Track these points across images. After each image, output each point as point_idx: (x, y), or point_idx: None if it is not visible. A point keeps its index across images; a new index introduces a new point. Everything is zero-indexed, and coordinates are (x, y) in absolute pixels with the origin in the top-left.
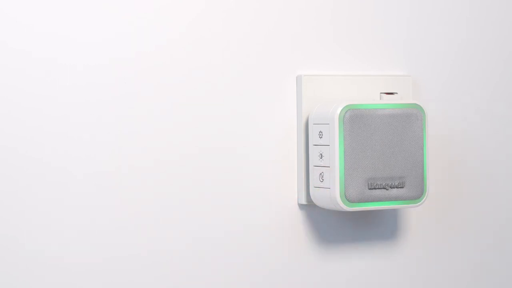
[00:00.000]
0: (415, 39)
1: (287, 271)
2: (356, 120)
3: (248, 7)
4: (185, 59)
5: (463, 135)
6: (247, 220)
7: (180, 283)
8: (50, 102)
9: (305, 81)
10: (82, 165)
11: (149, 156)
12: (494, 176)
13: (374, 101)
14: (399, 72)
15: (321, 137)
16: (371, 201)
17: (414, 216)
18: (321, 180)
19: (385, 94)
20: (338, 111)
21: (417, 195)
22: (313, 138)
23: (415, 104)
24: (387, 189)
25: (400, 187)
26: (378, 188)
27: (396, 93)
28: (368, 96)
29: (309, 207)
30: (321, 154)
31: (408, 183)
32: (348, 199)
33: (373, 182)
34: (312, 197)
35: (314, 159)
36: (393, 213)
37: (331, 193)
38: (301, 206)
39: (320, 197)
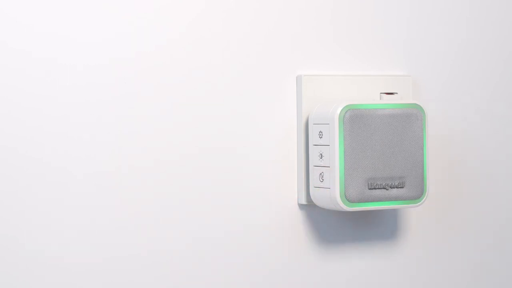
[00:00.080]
0: (415, 39)
1: (287, 271)
2: (356, 120)
3: (248, 7)
4: (185, 59)
5: (463, 135)
6: (247, 220)
7: (180, 283)
8: (50, 102)
9: (305, 81)
10: (82, 165)
11: (149, 156)
12: (494, 176)
13: (374, 101)
14: (399, 72)
15: (321, 137)
16: (371, 201)
17: (414, 216)
18: (321, 180)
19: (385, 94)
20: (338, 111)
21: (417, 195)
22: (313, 138)
23: (415, 104)
24: (387, 189)
25: (400, 187)
26: (378, 188)
27: (396, 93)
28: (368, 96)
29: (309, 207)
30: (321, 154)
31: (408, 183)
32: (348, 199)
33: (373, 182)
34: (312, 197)
35: (314, 159)
36: (393, 213)
37: (331, 193)
38: (301, 206)
39: (320, 197)
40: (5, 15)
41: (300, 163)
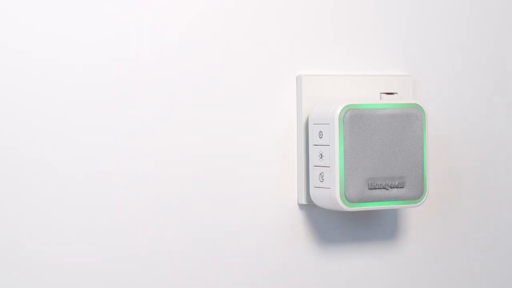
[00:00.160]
0: (415, 39)
1: (287, 271)
2: (356, 120)
3: (248, 7)
4: (185, 59)
5: (463, 135)
6: (247, 220)
7: (180, 283)
8: (50, 102)
9: (305, 81)
10: (82, 165)
11: (149, 156)
12: (494, 176)
13: (374, 101)
14: (399, 72)
15: (321, 137)
16: (371, 201)
17: (414, 216)
18: (321, 180)
19: (385, 94)
20: (338, 111)
21: (417, 195)
22: (313, 138)
23: (415, 104)
24: (387, 189)
25: (400, 187)
26: (378, 188)
27: (396, 93)
28: (368, 96)
29: (309, 207)
30: (321, 154)
31: (408, 183)
32: (348, 199)
33: (373, 182)
34: (312, 197)
35: (314, 159)
36: (393, 213)
37: (331, 193)
38: (301, 206)
39: (320, 197)
40: (5, 15)
41: (300, 163)
